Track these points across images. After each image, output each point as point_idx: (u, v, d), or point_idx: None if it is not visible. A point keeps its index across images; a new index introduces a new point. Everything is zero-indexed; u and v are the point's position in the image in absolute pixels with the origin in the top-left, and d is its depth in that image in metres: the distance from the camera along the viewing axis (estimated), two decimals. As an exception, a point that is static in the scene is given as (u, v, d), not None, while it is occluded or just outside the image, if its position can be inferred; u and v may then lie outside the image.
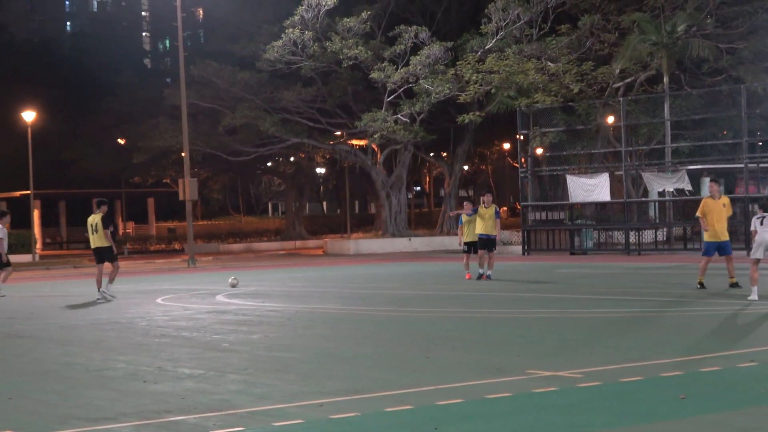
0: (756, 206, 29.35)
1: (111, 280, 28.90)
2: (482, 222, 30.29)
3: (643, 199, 50.02)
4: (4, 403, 12.06)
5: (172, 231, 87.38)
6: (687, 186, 44.65)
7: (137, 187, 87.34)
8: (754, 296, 21.18)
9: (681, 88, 52.47)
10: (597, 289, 26.13)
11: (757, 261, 21.54)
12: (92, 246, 28.75)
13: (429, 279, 31.61)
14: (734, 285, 24.08)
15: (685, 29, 50.59)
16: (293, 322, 20.21)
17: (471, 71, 55.40)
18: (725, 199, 24.31)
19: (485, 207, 30.52)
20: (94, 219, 28.37)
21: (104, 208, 28.81)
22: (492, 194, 32.29)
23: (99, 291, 28.03)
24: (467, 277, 30.59)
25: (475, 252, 30.62)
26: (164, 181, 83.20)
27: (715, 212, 23.98)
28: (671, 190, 45.70)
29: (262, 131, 62.71)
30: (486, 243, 30.30)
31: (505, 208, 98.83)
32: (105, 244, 28.32)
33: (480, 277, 30.24)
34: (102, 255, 28.34)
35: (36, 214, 71.42)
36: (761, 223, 21.60)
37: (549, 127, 52.56)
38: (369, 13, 58.98)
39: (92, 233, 28.47)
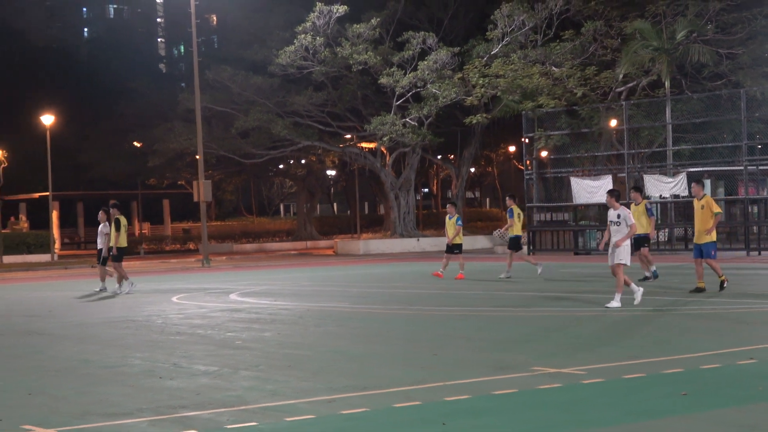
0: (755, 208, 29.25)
1: (103, 279, 30.41)
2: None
3: (645, 200, 49.92)
4: (23, 398, 12.08)
5: (187, 231, 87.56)
6: (684, 191, 44.58)
7: (153, 188, 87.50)
8: None
9: (682, 92, 52.40)
10: (599, 289, 26.06)
11: None
12: (125, 244, 29.66)
13: (436, 278, 31.53)
14: (698, 290, 23.42)
15: (686, 35, 50.56)
16: (304, 320, 20.22)
17: (477, 76, 55.39)
18: (704, 200, 23.71)
19: (449, 218, 31.83)
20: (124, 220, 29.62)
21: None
22: (454, 204, 33.14)
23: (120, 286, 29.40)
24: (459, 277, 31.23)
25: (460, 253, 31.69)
26: (179, 183, 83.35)
27: (696, 214, 23.84)
28: (667, 195, 45.62)
29: (274, 134, 62.82)
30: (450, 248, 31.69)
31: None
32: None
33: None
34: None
35: (54, 215, 71.54)
36: None
37: (553, 130, 52.56)
38: (378, 19, 59.13)
39: (125, 232, 29.52)
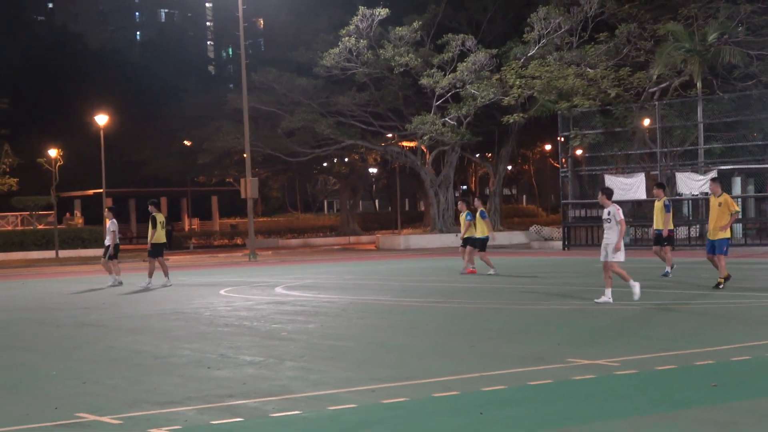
0: None
1: (110, 272, 31.28)
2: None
3: (677, 197, 49.64)
4: (78, 387, 12.16)
5: (234, 227, 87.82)
6: None
7: (202, 186, 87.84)
8: None
9: (713, 92, 52.05)
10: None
11: None
12: (162, 240, 30.27)
13: (471, 275, 31.47)
14: (717, 285, 23.06)
15: (717, 37, 50.22)
16: (347, 312, 20.25)
17: (514, 77, 55.31)
18: (722, 198, 23.37)
19: (461, 214, 31.80)
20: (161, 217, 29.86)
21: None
22: (466, 202, 32.79)
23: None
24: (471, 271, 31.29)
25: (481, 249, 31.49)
26: (227, 180, 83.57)
27: (711, 210, 23.63)
28: (697, 193, 45.39)
29: (318, 133, 62.97)
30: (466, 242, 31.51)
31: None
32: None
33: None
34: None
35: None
36: None
37: (588, 129, 52.39)
38: (419, 22, 59.14)
39: (161, 228, 29.80)
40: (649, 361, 12.73)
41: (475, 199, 33.14)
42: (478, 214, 31.10)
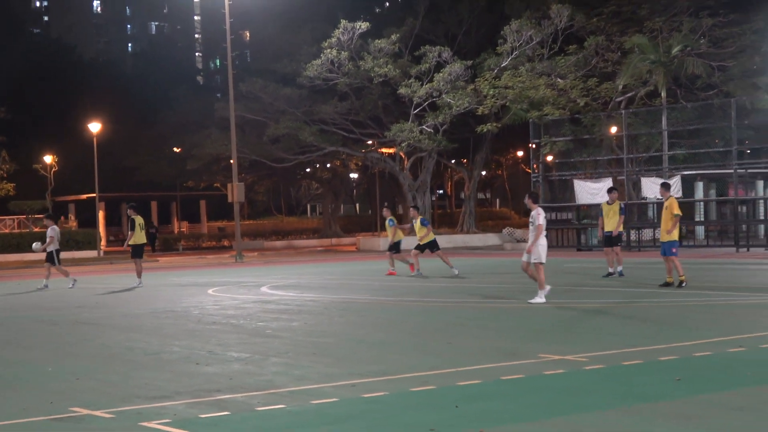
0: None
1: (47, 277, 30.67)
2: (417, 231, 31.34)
3: (642, 201, 49.77)
4: (72, 382, 12.13)
5: (222, 230, 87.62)
6: (678, 193, 44.48)
7: (191, 190, 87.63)
8: None
9: (677, 101, 52.28)
10: (600, 282, 26.05)
11: None
12: (142, 241, 30.48)
13: (447, 274, 31.48)
14: (666, 284, 23.19)
15: (681, 49, 50.46)
16: (329, 311, 20.23)
17: (488, 87, 55.45)
18: (668, 202, 23.37)
19: (413, 220, 31.49)
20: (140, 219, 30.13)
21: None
22: (417, 208, 33.12)
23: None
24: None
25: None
26: (215, 185, 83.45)
27: (662, 214, 23.65)
28: (661, 197, 45.50)
29: (302, 140, 62.96)
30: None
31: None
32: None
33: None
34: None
35: (101, 215, 71.75)
36: None
37: (558, 136, 52.54)
38: (397, 35, 59.30)
39: (140, 231, 29.74)
40: (616, 357, 12.76)
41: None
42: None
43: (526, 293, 22.43)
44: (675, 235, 23.36)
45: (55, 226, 30.70)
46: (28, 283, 33.99)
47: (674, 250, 23.23)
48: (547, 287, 20.43)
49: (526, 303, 20.25)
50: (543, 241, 20.23)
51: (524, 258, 20.50)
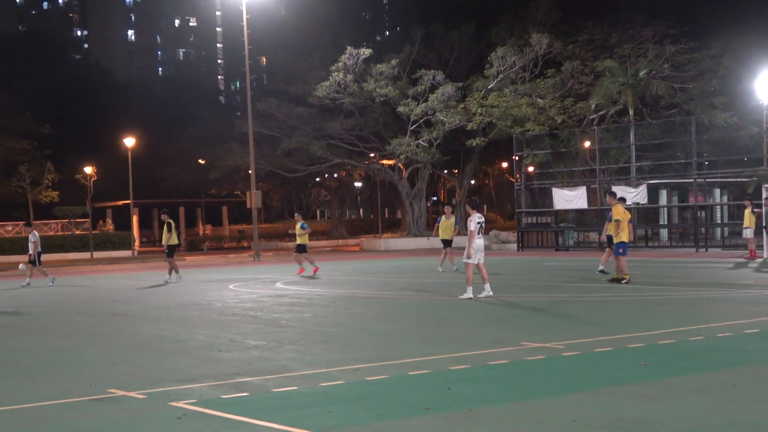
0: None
1: (30, 276, 30.43)
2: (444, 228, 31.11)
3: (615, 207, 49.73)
4: (109, 367, 12.12)
5: (241, 232, 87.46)
6: (643, 200, 44.60)
7: (214, 197, 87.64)
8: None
9: (643, 119, 52.20)
10: (576, 279, 26.02)
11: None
12: (176, 242, 30.07)
13: (439, 271, 31.44)
14: (618, 281, 23.12)
15: (647, 73, 50.44)
16: (336, 303, 20.22)
17: (476, 106, 55.50)
18: (613, 209, 23.29)
19: (446, 218, 31.24)
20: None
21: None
22: (452, 207, 32.73)
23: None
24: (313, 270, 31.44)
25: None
26: (235, 192, 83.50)
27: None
28: (630, 203, 45.53)
29: (312, 153, 62.97)
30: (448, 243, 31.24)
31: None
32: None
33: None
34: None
35: (135, 219, 71.76)
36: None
37: (538, 149, 52.57)
38: (396, 60, 59.46)
39: (174, 233, 29.79)
40: (590, 345, 12.75)
41: (296, 214, 33.32)
42: (298, 225, 31.26)
43: (511, 289, 22.43)
44: (622, 237, 23.21)
45: (35, 232, 30.57)
46: (70, 280, 33.96)
47: (620, 251, 23.13)
48: (471, 288, 20.05)
49: (503, 297, 20.22)
50: (477, 243, 19.93)
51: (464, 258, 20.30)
